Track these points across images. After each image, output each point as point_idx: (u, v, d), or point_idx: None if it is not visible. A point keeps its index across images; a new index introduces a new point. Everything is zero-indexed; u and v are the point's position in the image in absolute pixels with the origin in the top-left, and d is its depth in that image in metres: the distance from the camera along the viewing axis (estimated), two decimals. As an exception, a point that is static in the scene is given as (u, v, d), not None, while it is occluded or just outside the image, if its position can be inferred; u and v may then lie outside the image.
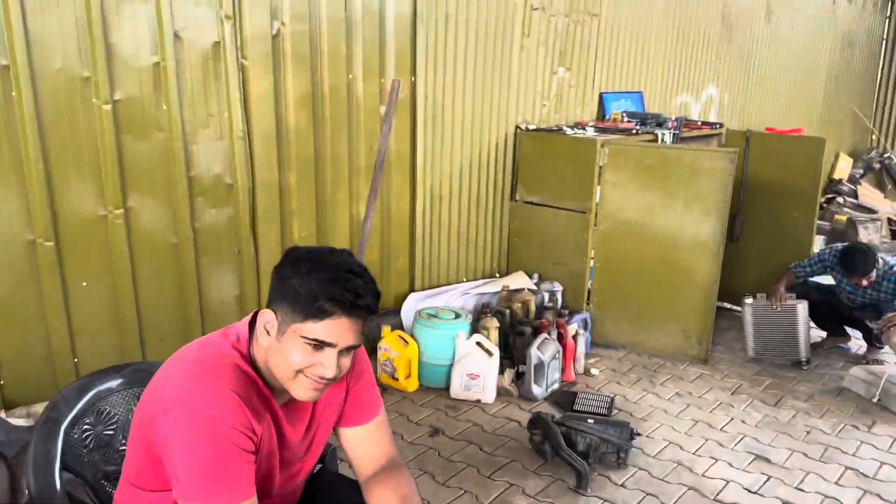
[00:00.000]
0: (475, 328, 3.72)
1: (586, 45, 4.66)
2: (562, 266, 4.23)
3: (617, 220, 4.06)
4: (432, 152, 3.89)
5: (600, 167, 4.01)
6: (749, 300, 4.15)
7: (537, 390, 3.53)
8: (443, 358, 3.58)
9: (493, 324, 3.70)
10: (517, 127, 4.30)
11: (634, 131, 4.38)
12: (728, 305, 4.70)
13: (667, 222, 3.95)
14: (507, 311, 3.92)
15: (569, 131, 4.30)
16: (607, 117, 4.91)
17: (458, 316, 3.69)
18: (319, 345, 1.29)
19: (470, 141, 4.07)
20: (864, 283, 3.86)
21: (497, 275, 4.42)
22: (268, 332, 1.32)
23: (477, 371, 3.48)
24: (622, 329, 4.19)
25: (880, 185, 7.76)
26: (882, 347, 4.18)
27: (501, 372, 3.59)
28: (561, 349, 3.68)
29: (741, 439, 3.26)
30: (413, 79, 3.70)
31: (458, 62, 3.88)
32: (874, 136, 8.56)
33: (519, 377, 3.64)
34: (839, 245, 4.16)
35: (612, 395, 3.56)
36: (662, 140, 4.44)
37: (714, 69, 5.98)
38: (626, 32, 4.95)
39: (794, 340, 4.05)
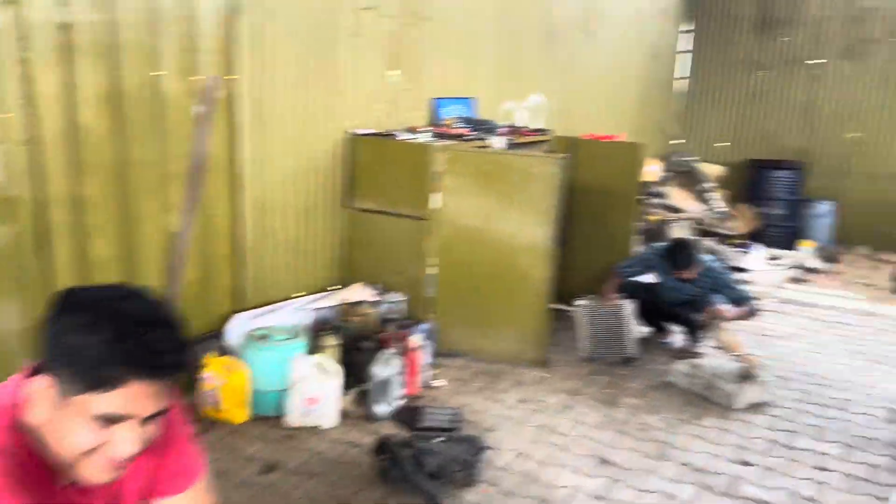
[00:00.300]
0: (313, 347, 3.45)
1: (418, 48, 4.53)
2: (403, 275, 4.07)
3: (456, 226, 3.98)
4: (260, 156, 3.56)
5: (438, 173, 3.90)
6: (581, 302, 4.24)
7: (382, 409, 3.34)
8: (277, 383, 3.27)
9: (332, 342, 3.45)
10: (349, 131, 4.08)
11: (468, 137, 4.32)
12: (562, 307, 4.79)
13: (504, 227, 3.93)
14: (348, 326, 3.69)
15: (403, 136, 4.15)
16: (440, 122, 4.82)
17: (292, 335, 3.40)
18: (112, 420, 1.00)
19: (301, 144, 3.79)
20: (688, 276, 4.06)
21: (335, 287, 4.16)
22: (44, 403, 1.01)
23: (316, 394, 3.21)
24: (464, 336, 4.12)
25: (685, 187, 8.40)
26: (699, 340, 4.45)
27: (343, 393, 3.35)
28: (404, 363, 3.51)
29: (584, 442, 3.28)
30: (233, 77, 3.35)
31: (285, 60, 3.58)
32: (678, 141, 9.29)
33: (362, 396, 3.42)
34: (659, 245, 4.37)
35: (458, 408, 3.45)
36: (495, 146, 4.41)
37: (540, 77, 6.11)
38: (456, 37, 4.89)
39: (623, 339, 4.19)
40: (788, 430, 3.50)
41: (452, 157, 3.91)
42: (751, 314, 4.05)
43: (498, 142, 4.44)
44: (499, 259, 3.96)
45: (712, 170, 8.83)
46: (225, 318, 3.56)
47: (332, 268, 4.15)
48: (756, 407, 3.73)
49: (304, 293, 3.97)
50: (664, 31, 8.67)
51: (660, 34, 8.47)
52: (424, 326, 3.96)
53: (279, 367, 3.26)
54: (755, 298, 4.32)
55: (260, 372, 3.26)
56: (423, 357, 3.74)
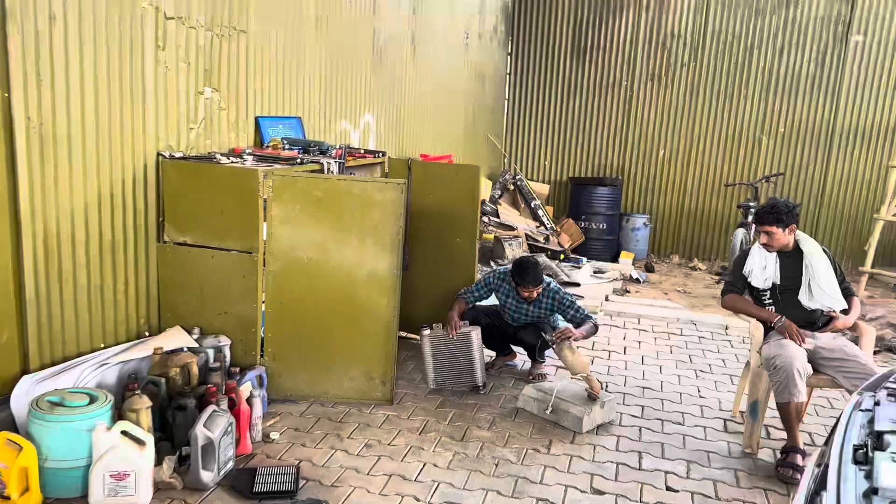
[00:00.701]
0: (119, 412, 2.90)
1: (235, 63, 4.10)
2: (228, 315, 3.61)
3: (289, 259, 3.61)
4: (43, 187, 2.97)
5: (265, 200, 3.51)
6: (426, 331, 4.05)
7: (208, 476, 2.87)
8: (75, 458, 2.71)
9: (143, 403, 2.92)
10: (160, 154, 3.56)
11: (298, 160, 3.96)
12: (404, 334, 4.57)
13: (342, 258, 3.63)
14: (163, 380, 3.17)
15: (224, 160, 3.70)
16: (266, 144, 4.42)
17: (93, 399, 2.84)
18: None
19: (99, 171, 3.22)
20: (535, 294, 4.00)
21: (147, 334, 3.61)
22: None
23: (125, 468, 2.69)
24: (303, 379, 3.75)
25: (514, 204, 8.59)
26: (543, 361, 4.42)
27: (159, 462, 2.85)
28: (234, 419, 3.07)
29: (436, 487, 3.03)
30: (6, 94, 2.76)
31: (75, 75, 3.02)
32: (506, 160, 9.49)
33: (183, 463, 2.94)
34: (500, 269, 4.29)
35: (296, 463, 3.07)
36: (329, 170, 4.10)
37: (369, 96, 5.88)
38: (278, 53, 4.51)
39: (471, 366, 4.05)
40: (634, 451, 3.49)
41: (281, 183, 3.55)
42: (594, 332, 4.06)
43: (331, 165, 4.13)
44: (339, 292, 3.66)
45: (538, 188, 9.13)
46: (7, 384, 2.92)
47: (143, 311, 3.59)
48: (602, 427, 3.71)
49: (108, 344, 3.38)
50: (493, 52, 8.82)
51: (485, 55, 8.59)
52: (255, 372, 3.55)
53: (77, 439, 2.70)
54: (594, 314, 4.36)
55: (52, 447, 2.68)
56: (256, 408, 3.32)
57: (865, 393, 2.02)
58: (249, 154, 3.94)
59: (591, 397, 3.76)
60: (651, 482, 3.19)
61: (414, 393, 4.03)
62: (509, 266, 4.26)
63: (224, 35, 3.97)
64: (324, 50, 5.04)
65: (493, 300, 4.40)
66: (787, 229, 3.62)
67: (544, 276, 4.14)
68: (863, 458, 1.58)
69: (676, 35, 8.73)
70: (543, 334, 4.02)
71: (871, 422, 1.77)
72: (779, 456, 3.40)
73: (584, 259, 7.82)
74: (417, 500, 2.93)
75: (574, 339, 3.83)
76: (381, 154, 4.83)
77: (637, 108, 8.97)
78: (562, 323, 4.30)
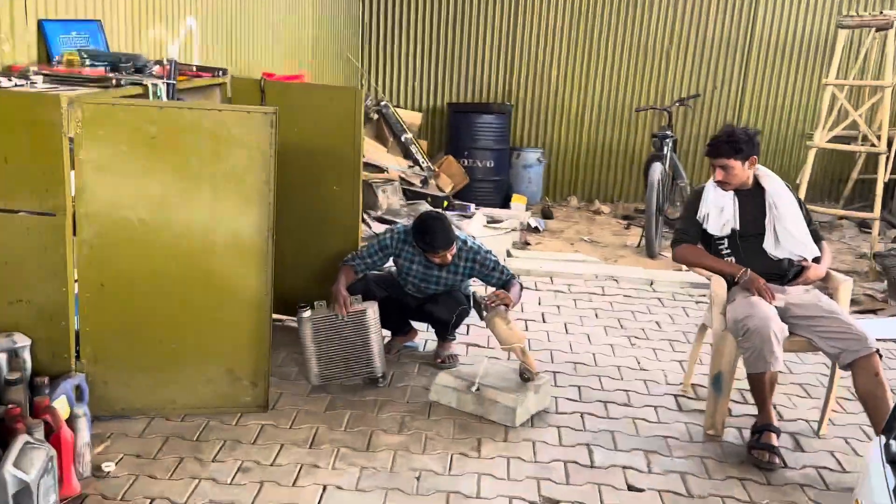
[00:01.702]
0: None
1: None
2: (24, 305, 3.17)
3: (112, 222, 3.25)
4: None
5: (71, 140, 3.10)
6: (306, 312, 3.84)
7: (24, 538, 2.49)
8: None
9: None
10: None
11: (113, 81, 3.51)
12: (276, 317, 4.29)
13: (190, 218, 3.32)
14: (-63, 406, 2.70)
15: (3, 82, 3.20)
16: (57, 59, 3.90)
17: None
18: None
19: None
20: (449, 257, 3.90)
21: None
22: None
23: None
24: (139, 386, 3.44)
25: (380, 138, 8.34)
26: (454, 339, 4.32)
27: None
28: (54, 451, 2.70)
29: (349, 517, 2.85)
30: None
31: None
32: (366, 83, 9.18)
33: (-17, 522, 2.52)
34: (398, 227, 4.12)
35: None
36: (156, 94, 3.68)
37: (191, -6, 5.39)
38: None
39: (366, 353, 3.89)
40: (581, 444, 3.49)
41: (94, 114, 3.16)
42: (520, 295, 4.01)
43: (158, 87, 3.70)
44: (187, 265, 3.36)
45: (409, 117, 8.94)
46: None
47: None
48: (538, 417, 3.68)
49: None
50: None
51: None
52: (71, 382, 3.16)
53: None
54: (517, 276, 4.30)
55: None
56: (82, 432, 2.96)
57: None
58: (37, 73, 3.46)
59: (525, 378, 3.72)
60: (609, 482, 3.19)
61: (293, 392, 3.82)
62: (409, 223, 4.08)
63: None
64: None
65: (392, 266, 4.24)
66: (746, 162, 3.69)
67: (458, 233, 4.01)
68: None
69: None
70: (476, 301, 3.92)
71: None
72: (749, 436, 3.51)
73: (473, 206, 7.78)
74: (324, 537, 2.73)
75: (513, 305, 3.78)
76: (220, 72, 4.45)
77: (525, 17, 8.96)
78: (477, 289, 4.20)
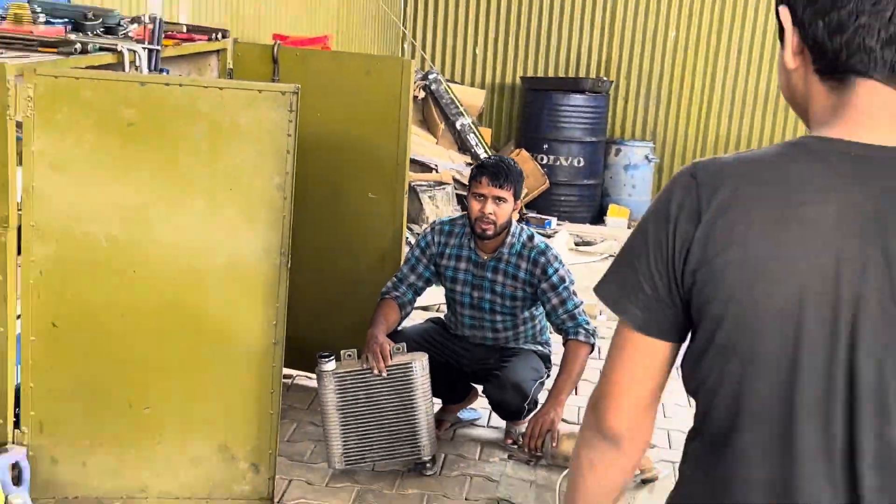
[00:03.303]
0: None
1: None
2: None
3: (71, 239, 3.40)
4: None
5: (19, 125, 3.26)
6: (329, 365, 3.88)
7: None
8: None
9: None
10: None
11: (77, 47, 3.62)
12: (287, 372, 4.38)
13: (178, 236, 3.46)
14: None
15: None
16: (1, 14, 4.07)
17: None
18: None
19: None
20: (499, 206, 4.07)
21: None
22: None
23: None
24: (99, 466, 3.56)
25: (427, 124, 8.45)
26: (529, 413, 4.33)
27: None
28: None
29: None
30: None
31: None
32: (411, 50, 9.31)
33: None
34: (438, 220, 4.47)
35: None
36: (134, 64, 3.78)
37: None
38: None
39: (411, 426, 3.94)
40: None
41: (52, 90, 3.29)
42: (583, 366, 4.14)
43: (136, 54, 3.83)
44: (170, 300, 3.49)
45: (467, 96, 9.02)
46: None
47: None
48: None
49: None
50: None
51: None
52: (8, 458, 3.30)
53: None
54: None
55: None
56: (22, 529, 3.01)
57: None
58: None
59: (644, 481, 3.83)
60: None
61: (307, 480, 3.90)
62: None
63: None
64: None
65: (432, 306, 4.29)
66: None
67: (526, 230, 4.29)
68: None
69: None
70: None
71: None
72: None
73: (554, 221, 7.82)
74: None
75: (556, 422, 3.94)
76: (218, 35, 4.53)
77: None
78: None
